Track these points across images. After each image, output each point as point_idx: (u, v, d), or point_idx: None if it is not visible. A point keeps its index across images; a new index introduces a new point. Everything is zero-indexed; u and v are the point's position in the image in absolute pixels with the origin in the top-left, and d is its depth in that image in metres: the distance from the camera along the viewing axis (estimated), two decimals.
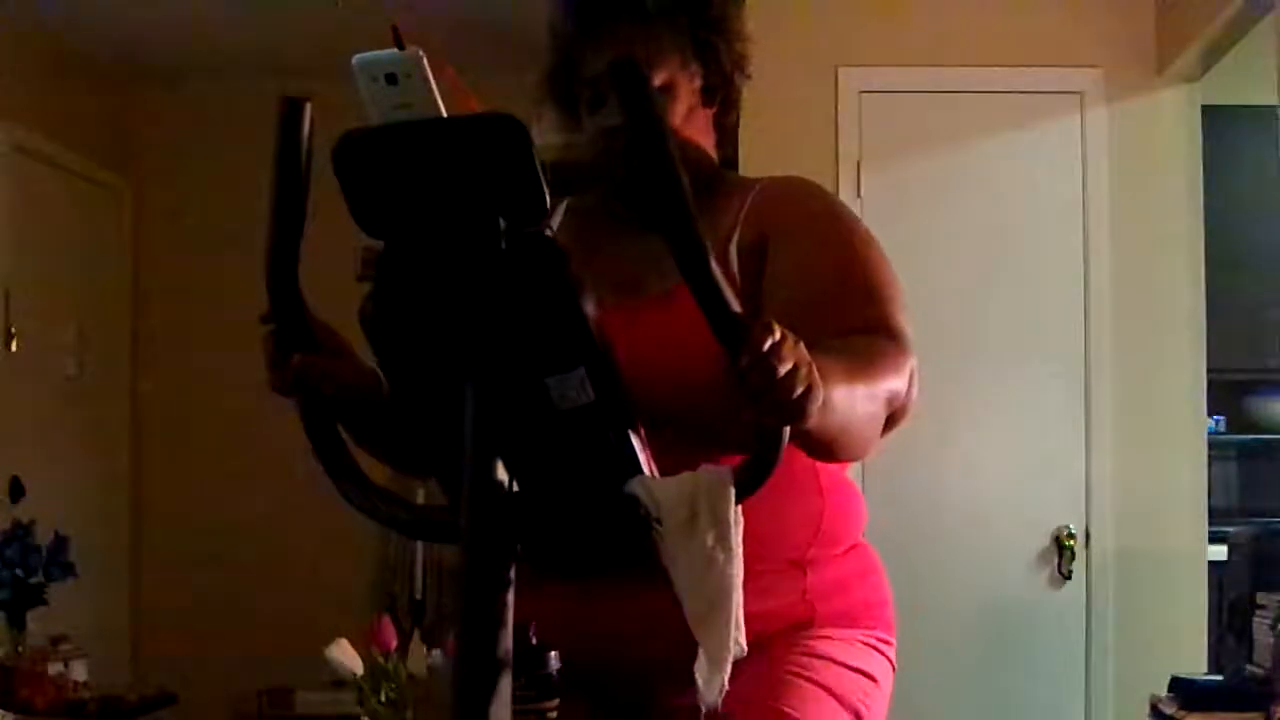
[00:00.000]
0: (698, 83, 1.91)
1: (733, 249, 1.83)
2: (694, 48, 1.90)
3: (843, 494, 1.91)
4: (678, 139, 1.83)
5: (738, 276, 1.79)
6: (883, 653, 1.90)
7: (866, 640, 1.88)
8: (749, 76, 1.97)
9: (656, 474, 1.46)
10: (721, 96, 1.94)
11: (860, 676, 1.84)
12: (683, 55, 1.89)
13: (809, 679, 1.78)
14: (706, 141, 1.94)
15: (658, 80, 1.85)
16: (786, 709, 1.74)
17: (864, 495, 1.98)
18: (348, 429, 1.63)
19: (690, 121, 1.89)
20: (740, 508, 1.41)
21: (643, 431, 1.45)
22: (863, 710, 1.82)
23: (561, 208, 2.00)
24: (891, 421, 1.71)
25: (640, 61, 1.79)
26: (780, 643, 1.79)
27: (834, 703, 1.79)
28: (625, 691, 1.81)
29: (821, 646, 1.83)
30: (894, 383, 1.68)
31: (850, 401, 1.55)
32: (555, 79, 1.95)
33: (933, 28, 4.66)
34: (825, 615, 1.84)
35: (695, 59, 1.90)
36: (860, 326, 1.72)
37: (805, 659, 1.80)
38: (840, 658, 1.83)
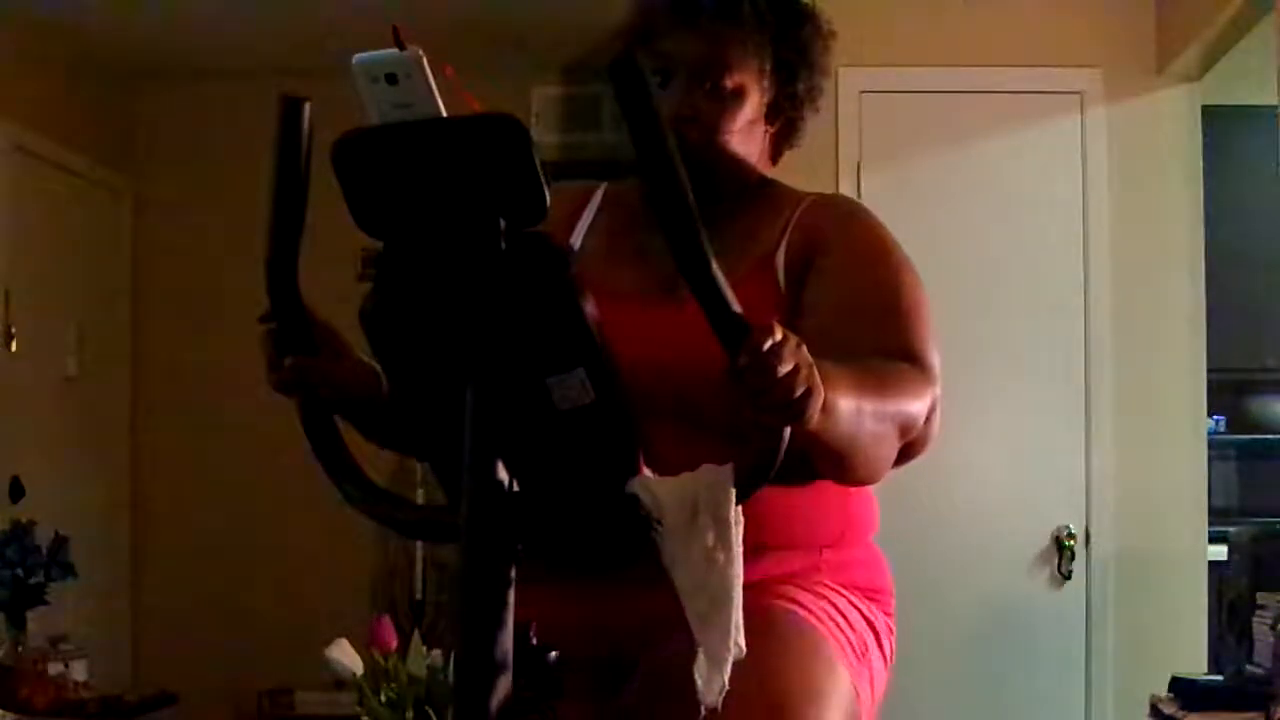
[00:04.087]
0: (767, 98, 1.91)
1: (779, 260, 1.84)
2: (774, 63, 1.90)
3: (864, 505, 1.92)
4: (719, 147, 1.85)
5: (784, 288, 1.81)
6: (888, 627, 1.91)
7: (871, 611, 1.89)
8: (818, 110, 1.98)
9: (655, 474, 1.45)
10: (785, 119, 1.95)
11: (869, 629, 1.85)
12: (762, 66, 1.89)
13: (819, 594, 1.79)
14: (757, 154, 1.94)
15: (732, 81, 1.86)
16: (794, 599, 1.75)
17: None
18: (350, 424, 1.63)
19: (749, 132, 1.90)
20: (741, 508, 1.41)
21: (642, 431, 1.45)
22: (865, 658, 1.82)
23: (599, 193, 1.99)
24: (909, 451, 1.72)
25: (722, 60, 1.84)
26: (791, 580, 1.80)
27: (842, 621, 1.80)
28: (626, 689, 1.81)
29: (831, 592, 1.83)
30: (909, 407, 1.68)
31: (857, 414, 1.55)
32: (627, 41, 1.93)
33: (933, 28, 4.66)
34: (836, 583, 1.85)
35: (772, 74, 1.91)
36: (886, 351, 1.73)
37: (817, 586, 1.81)
38: (852, 599, 1.84)
